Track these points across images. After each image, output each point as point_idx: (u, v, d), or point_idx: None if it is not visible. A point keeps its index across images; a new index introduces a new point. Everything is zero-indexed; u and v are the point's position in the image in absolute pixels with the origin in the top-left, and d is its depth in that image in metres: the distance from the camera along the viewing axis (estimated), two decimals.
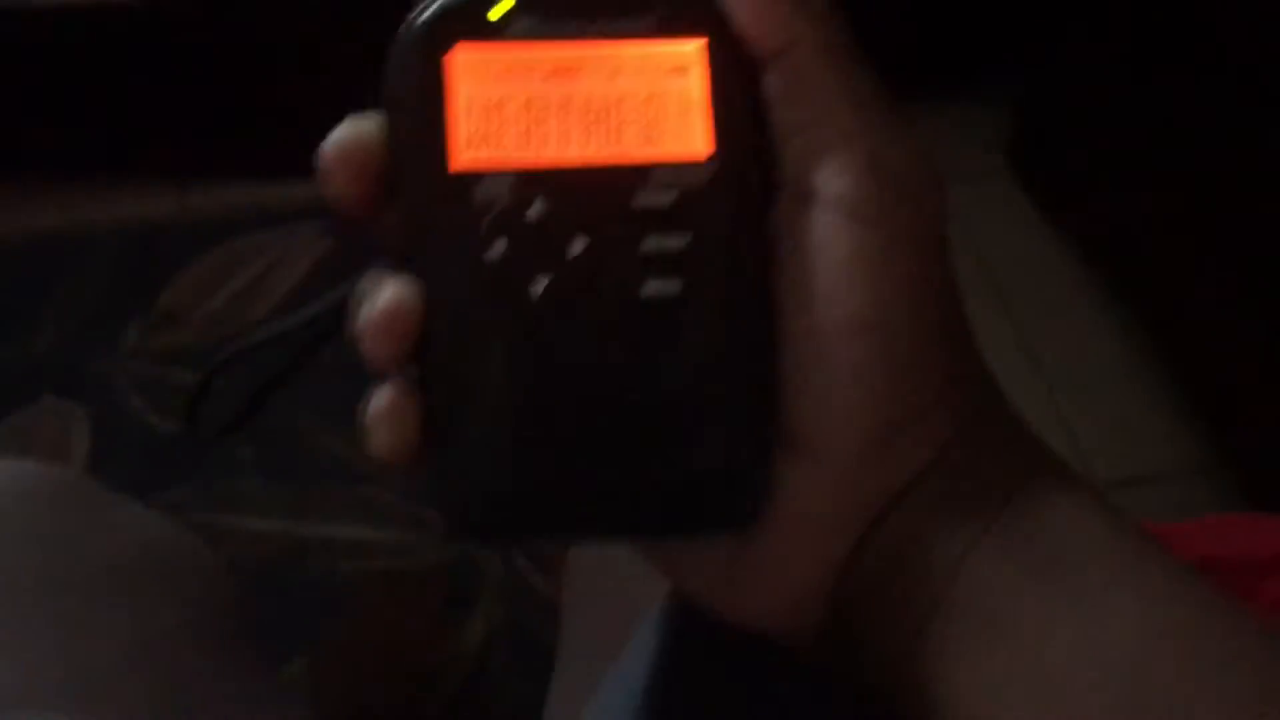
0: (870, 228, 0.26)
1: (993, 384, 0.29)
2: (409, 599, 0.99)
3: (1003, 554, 0.26)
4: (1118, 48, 1.16)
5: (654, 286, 0.27)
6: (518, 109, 0.27)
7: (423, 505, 0.30)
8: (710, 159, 0.27)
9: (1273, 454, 1.03)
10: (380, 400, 0.27)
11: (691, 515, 0.27)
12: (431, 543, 1.00)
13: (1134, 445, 1.13)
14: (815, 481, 0.27)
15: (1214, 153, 1.06)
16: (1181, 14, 1.06)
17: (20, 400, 1.10)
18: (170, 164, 1.26)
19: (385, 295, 0.26)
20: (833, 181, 0.26)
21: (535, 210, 0.26)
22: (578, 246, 0.26)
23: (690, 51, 0.27)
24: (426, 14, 0.27)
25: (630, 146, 0.27)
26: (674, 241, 0.27)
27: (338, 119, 0.27)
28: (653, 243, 0.27)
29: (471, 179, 0.27)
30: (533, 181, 0.27)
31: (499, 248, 0.26)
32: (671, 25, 0.27)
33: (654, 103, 0.27)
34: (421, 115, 0.27)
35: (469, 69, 0.27)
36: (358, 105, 0.28)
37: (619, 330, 0.27)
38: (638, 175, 0.27)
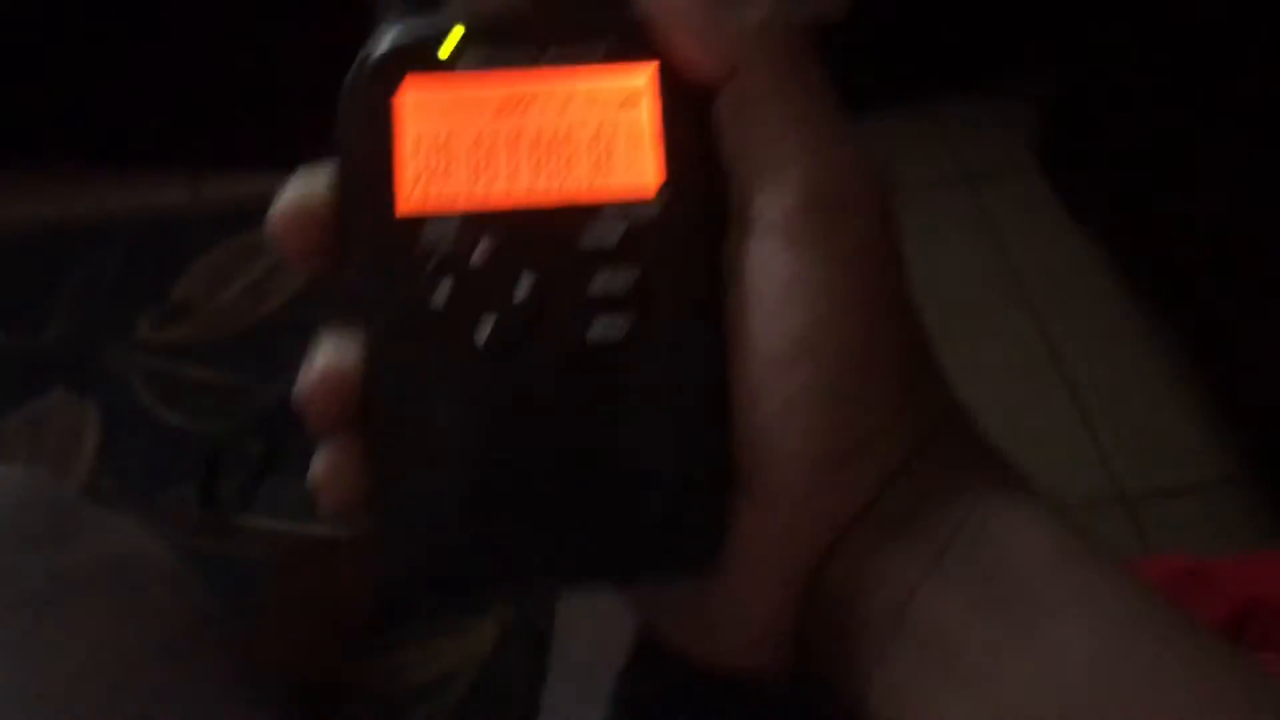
0: (805, 253, 0.25)
1: (952, 401, 0.28)
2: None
3: (953, 586, 0.25)
4: (1153, 45, 1.13)
5: (602, 327, 0.26)
6: (466, 147, 0.27)
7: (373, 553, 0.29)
8: (660, 193, 0.27)
9: None
10: (322, 463, 0.26)
11: (647, 560, 0.27)
12: None
13: (1163, 455, 1.11)
14: (765, 518, 0.26)
15: (1250, 154, 1.03)
16: (1221, 12, 1.04)
17: (31, 392, 1.10)
18: (184, 153, 1.25)
19: (321, 359, 0.26)
20: (768, 207, 0.26)
21: (480, 252, 0.26)
22: (524, 288, 0.26)
23: (641, 81, 0.27)
24: (375, 53, 0.27)
25: (580, 182, 0.27)
26: (622, 280, 0.26)
27: None
28: (600, 282, 0.26)
29: (417, 222, 0.26)
30: (479, 223, 0.26)
31: (443, 292, 0.26)
32: (623, 52, 0.27)
33: (604, 136, 0.27)
34: (369, 159, 0.26)
35: (417, 108, 0.27)
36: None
37: (567, 373, 0.26)
38: (587, 212, 0.26)
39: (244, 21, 1.16)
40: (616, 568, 0.27)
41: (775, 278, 0.26)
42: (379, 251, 0.26)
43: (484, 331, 0.26)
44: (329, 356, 0.26)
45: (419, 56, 0.27)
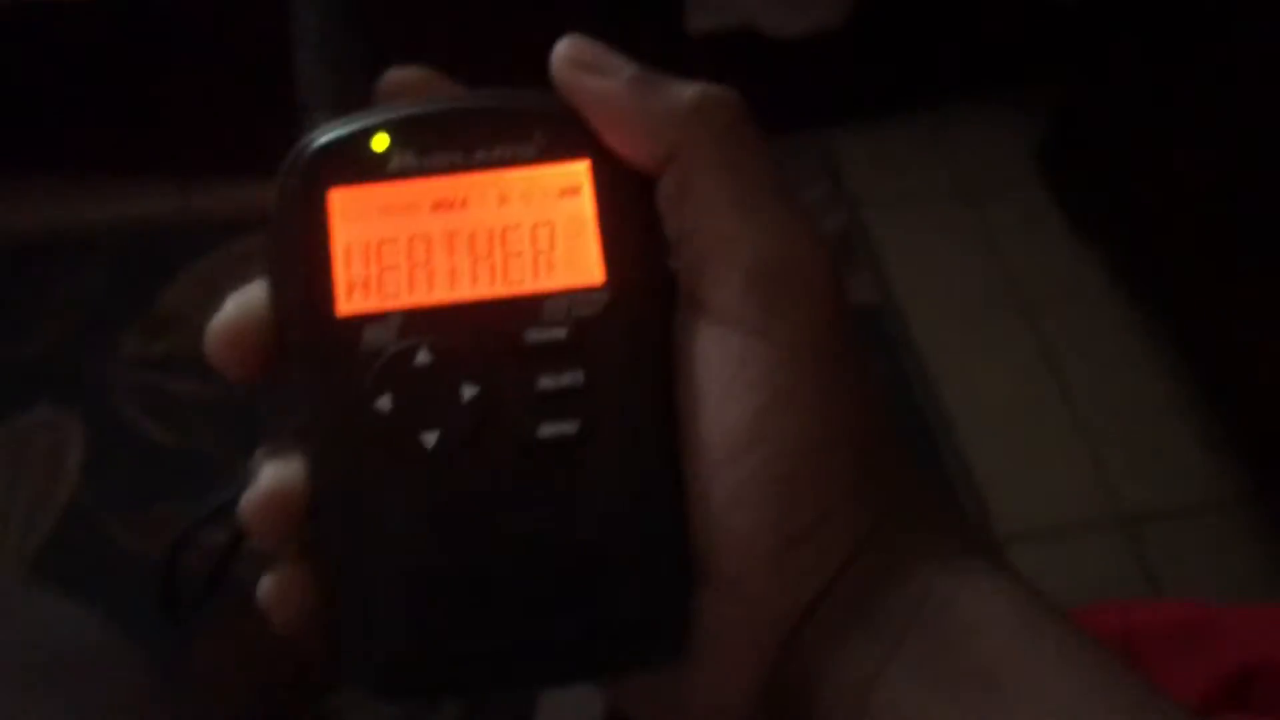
0: (752, 336, 0.25)
1: (909, 474, 0.28)
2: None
3: (912, 674, 0.25)
4: (1155, 56, 1.12)
5: (551, 428, 0.26)
6: (402, 248, 0.26)
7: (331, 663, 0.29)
8: (604, 284, 0.26)
9: None
10: (270, 584, 0.26)
11: (612, 656, 0.27)
12: None
13: (1164, 475, 1.10)
14: (726, 605, 0.26)
15: (1256, 170, 1.02)
16: (1225, 26, 1.03)
17: (14, 406, 1.08)
18: (171, 161, 1.23)
19: (264, 481, 0.26)
20: (715, 291, 0.25)
21: (423, 356, 0.26)
22: (469, 391, 0.26)
23: (576, 173, 0.27)
24: (306, 152, 0.26)
25: (520, 279, 0.26)
26: (569, 378, 0.26)
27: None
28: (547, 381, 0.26)
29: (355, 326, 0.26)
30: (419, 323, 0.26)
31: (387, 399, 0.26)
32: (554, 149, 0.27)
33: (542, 231, 0.27)
34: (303, 265, 0.26)
35: (350, 212, 0.26)
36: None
37: (519, 474, 0.26)
38: (529, 308, 0.26)
39: (233, 25, 1.14)
40: (582, 666, 0.27)
41: (723, 361, 0.25)
42: (319, 359, 0.26)
43: (431, 436, 0.26)
44: (272, 475, 0.26)
45: (349, 160, 0.26)
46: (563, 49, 0.27)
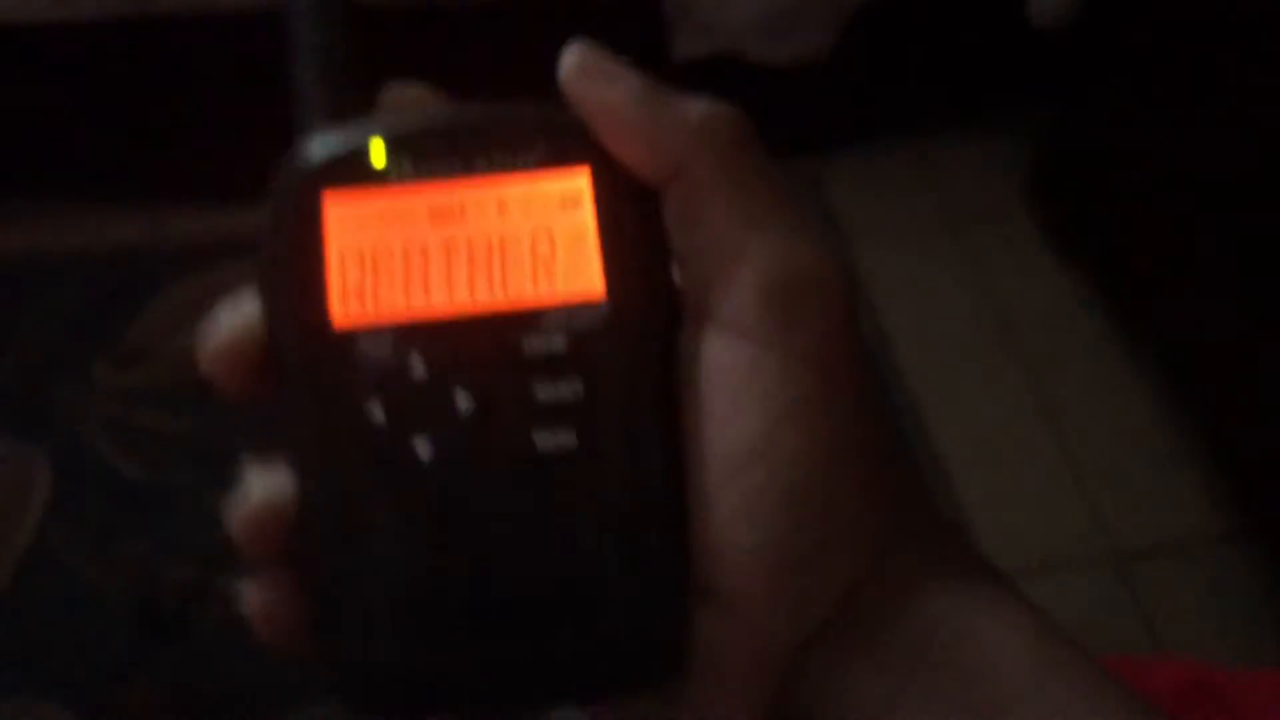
0: (763, 349, 0.25)
1: (919, 496, 0.27)
2: None
3: (926, 705, 0.24)
4: (1143, 85, 1.12)
5: (549, 440, 0.25)
6: (399, 258, 0.26)
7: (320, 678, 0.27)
8: (607, 296, 0.26)
9: None
10: (257, 593, 0.26)
11: (608, 676, 0.26)
12: None
13: (1158, 511, 1.09)
14: (727, 626, 0.25)
15: (1244, 199, 1.02)
16: (1210, 54, 1.02)
17: None
18: (142, 186, 1.21)
19: (251, 494, 0.25)
20: (724, 304, 0.25)
21: (418, 367, 0.25)
22: (465, 403, 0.25)
23: (578, 185, 0.26)
24: (301, 158, 0.26)
25: (519, 290, 0.26)
26: (568, 390, 0.25)
27: None
28: (546, 393, 0.25)
29: (350, 338, 0.25)
30: (416, 336, 0.25)
31: (381, 411, 0.25)
32: (555, 158, 0.26)
33: (542, 241, 0.26)
34: (297, 275, 0.25)
35: (346, 221, 0.26)
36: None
37: (515, 488, 0.25)
38: (528, 320, 0.25)
39: (204, 54, 1.12)
40: (577, 686, 0.26)
41: (732, 373, 0.25)
42: (311, 370, 0.25)
43: (427, 448, 0.25)
44: (262, 485, 0.25)
45: (346, 169, 0.26)
46: (571, 57, 0.26)
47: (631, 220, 0.26)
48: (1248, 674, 0.52)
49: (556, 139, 0.26)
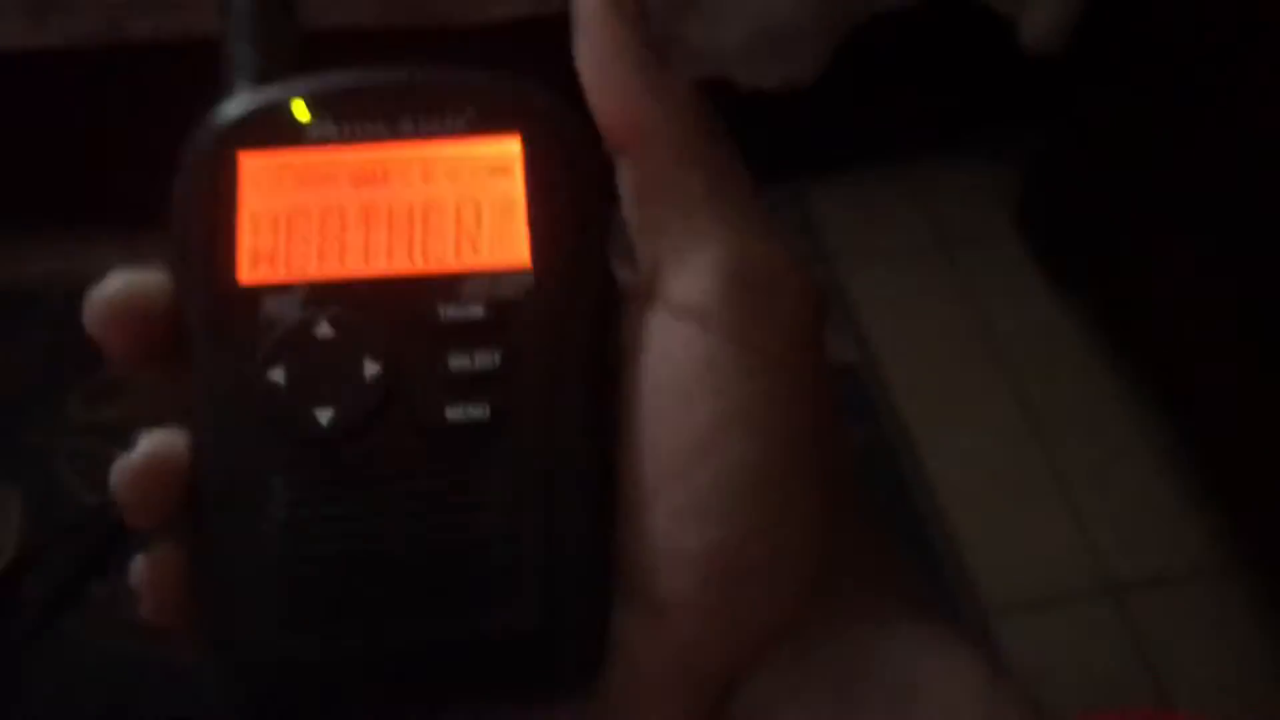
0: (721, 340, 0.23)
1: (872, 528, 0.26)
2: None
3: None
4: (1133, 108, 1.11)
5: (460, 411, 0.24)
6: (315, 219, 0.25)
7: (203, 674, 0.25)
8: (529, 267, 0.25)
9: None
10: (141, 564, 0.24)
11: (513, 676, 0.24)
12: None
13: (1151, 539, 1.08)
14: (656, 635, 0.23)
15: (1236, 223, 1.01)
16: (1199, 77, 1.02)
17: None
18: (118, 210, 1.18)
19: (140, 448, 0.24)
20: (684, 288, 0.24)
21: (324, 328, 0.24)
22: (372, 368, 0.24)
23: (509, 152, 0.25)
24: (220, 117, 0.25)
25: (440, 257, 0.25)
26: (484, 360, 0.24)
27: None
28: (460, 362, 0.24)
29: (255, 295, 0.24)
30: (325, 297, 0.24)
31: (281, 372, 0.24)
32: (488, 123, 0.25)
33: (467, 208, 0.25)
34: (208, 230, 0.25)
35: (262, 178, 0.25)
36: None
37: (421, 462, 0.24)
38: (447, 287, 0.25)
39: (177, 77, 1.10)
40: (477, 684, 0.24)
41: (684, 363, 0.23)
42: (212, 327, 0.24)
43: (327, 413, 0.24)
44: (150, 443, 0.24)
45: (265, 128, 0.25)
46: None
47: (565, 191, 0.25)
48: None
49: (488, 105, 0.25)
